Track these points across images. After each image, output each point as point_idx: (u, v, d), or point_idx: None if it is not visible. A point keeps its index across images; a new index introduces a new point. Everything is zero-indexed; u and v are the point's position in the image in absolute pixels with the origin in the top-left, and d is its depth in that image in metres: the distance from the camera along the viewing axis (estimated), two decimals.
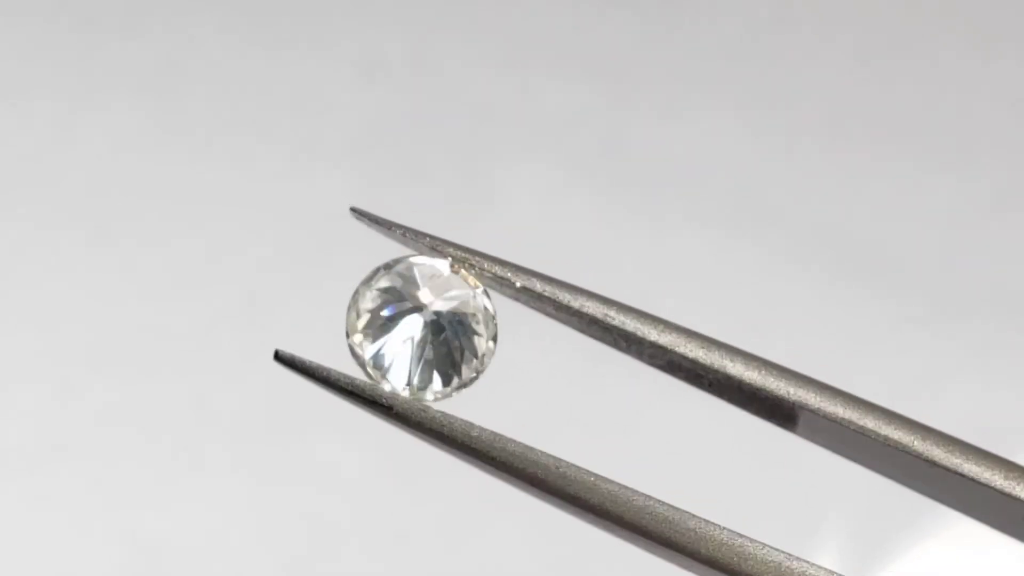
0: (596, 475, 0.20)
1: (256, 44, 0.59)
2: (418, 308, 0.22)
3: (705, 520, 0.20)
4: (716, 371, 0.22)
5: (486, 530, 0.48)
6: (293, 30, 0.59)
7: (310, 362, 0.21)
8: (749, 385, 0.22)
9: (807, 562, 0.20)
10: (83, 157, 0.56)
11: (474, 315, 0.22)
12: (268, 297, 0.53)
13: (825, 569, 0.20)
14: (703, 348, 0.22)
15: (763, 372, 0.22)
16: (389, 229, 0.22)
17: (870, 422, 0.22)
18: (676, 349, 0.22)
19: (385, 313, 0.22)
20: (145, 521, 0.48)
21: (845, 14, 0.59)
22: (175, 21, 0.59)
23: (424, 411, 0.21)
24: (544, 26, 0.59)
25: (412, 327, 0.22)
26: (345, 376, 0.21)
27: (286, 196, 0.55)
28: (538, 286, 0.22)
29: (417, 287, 0.22)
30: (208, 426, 0.50)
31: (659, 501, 0.20)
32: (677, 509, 0.20)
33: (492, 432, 0.21)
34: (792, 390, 0.22)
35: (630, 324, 0.22)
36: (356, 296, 0.22)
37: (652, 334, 0.22)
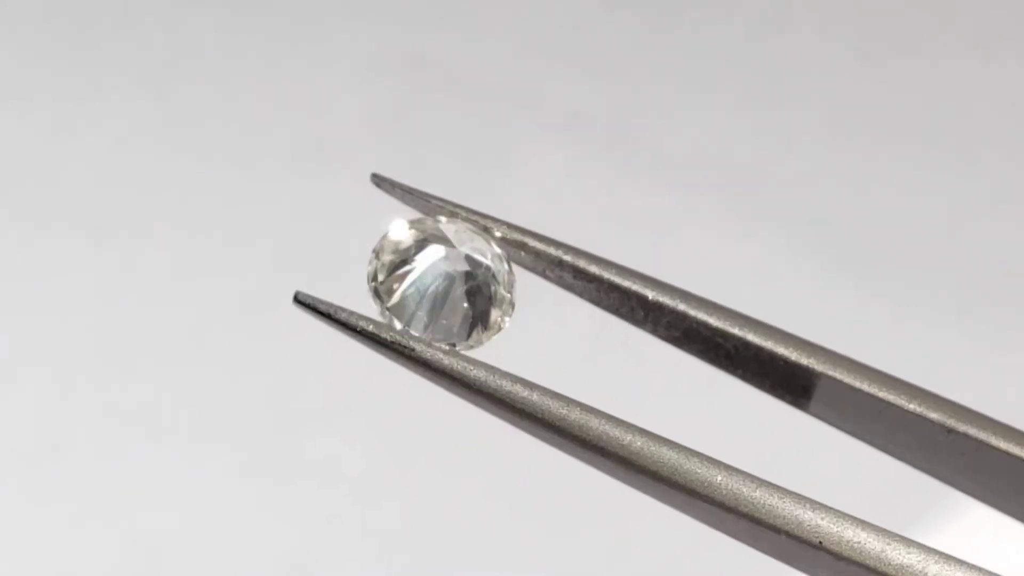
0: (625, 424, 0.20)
1: (256, 43, 0.59)
2: (444, 256, 0.21)
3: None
4: (735, 337, 0.22)
5: (486, 527, 0.48)
6: (294, 29, 0.59)
7: (331, 304, 0.20)
8: (768, 352, 0.22)
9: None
10: (84, 155, 0.56)
11: (499, 269, 0.21)
12: (269, 296, 0.52)
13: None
14: (722, 315, 0.22)
15: (781, 340, 0.22)
16: (411, 195, 0.22)
17: (889, 392, 0.22)
18: (696, 315, 0.22)
19: (410, 260, 0.21)
20: (145, 521, 0.48)
21: (845, 14, 0.59)
22: (177, 21, 0.59)
23: (445, 356, 0.20)
24: (544, 26, 0.59)
25: (437, 274, 0.21)
26: (366, 319, 0.20)
27: (288, 194, 0.55)
28: (557, 252, 0.22)
29: (443, 238, 0.21)
30: (208, 426, 0.50)
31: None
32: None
33: (514, 377, 0.20)
34: (810, 358, 0.22)
35: (649, 291, 0.22)
36: (380, 244, 0.21)
37: (671, 301, 0.22)
